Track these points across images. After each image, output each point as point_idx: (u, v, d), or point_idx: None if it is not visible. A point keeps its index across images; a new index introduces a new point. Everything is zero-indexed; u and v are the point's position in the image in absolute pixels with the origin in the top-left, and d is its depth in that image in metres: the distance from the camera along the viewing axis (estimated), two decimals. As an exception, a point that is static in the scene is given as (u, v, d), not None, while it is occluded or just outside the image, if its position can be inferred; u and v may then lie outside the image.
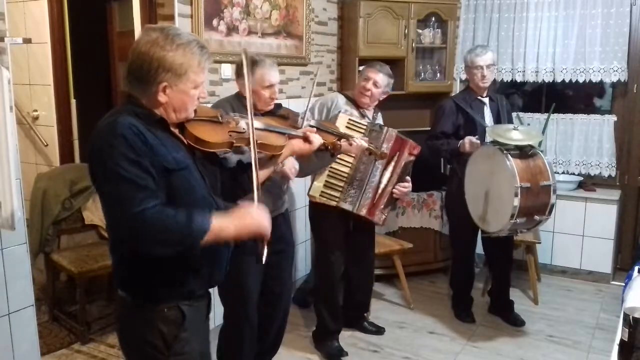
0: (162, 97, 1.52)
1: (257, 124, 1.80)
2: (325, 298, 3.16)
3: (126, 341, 1.67)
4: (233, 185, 1.81)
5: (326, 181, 2.92)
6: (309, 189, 2.97)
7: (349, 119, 2.89)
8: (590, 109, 4.52)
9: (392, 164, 2.99)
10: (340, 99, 3.05)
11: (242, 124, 1.75)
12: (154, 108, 1.54)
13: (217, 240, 1.53)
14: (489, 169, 3.11)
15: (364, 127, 2.93)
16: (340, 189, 2.93)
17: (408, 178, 3.04)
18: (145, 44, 1.49)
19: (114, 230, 1.58)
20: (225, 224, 1.53)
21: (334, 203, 2.94)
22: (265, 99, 2.46)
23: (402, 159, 3.00)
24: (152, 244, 1.47)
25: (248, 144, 1.71)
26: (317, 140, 1.95)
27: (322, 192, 2.92)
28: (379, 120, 3.16)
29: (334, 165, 2.88)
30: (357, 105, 3.07)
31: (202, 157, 1.68)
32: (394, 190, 3.00)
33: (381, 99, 3.10)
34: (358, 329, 3.45)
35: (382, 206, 3.01)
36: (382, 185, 2.99)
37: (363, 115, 3.06)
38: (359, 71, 4.15)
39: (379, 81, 2.99)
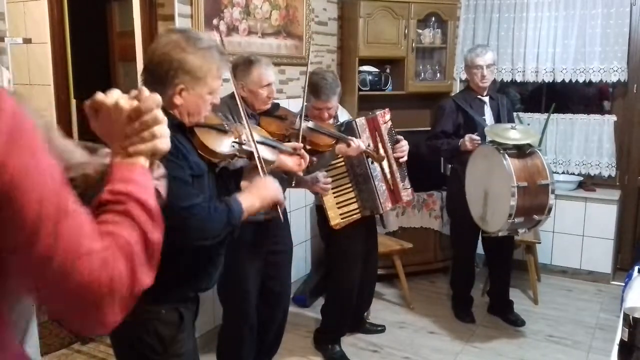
0: (177, 100, 1.52)
1: (255, 136, 1.80)
2: (340, 307, 3.13)
3: (120, 342, 1.66)
4: (219, 191, 1.80)
5: (337, 204, 2.85)
6: (329, 221, 2.83)
7: None
8: (591, 109, 4.51)
9: (380, 144, 2.87)
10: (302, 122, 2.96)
11: (244, 136, 1.76)
12: (168, 110, 1.53)
13: (249, 216, 1.62)
14: (487, 168, 3.11)
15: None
16: (354, 200, 2.87)
17: (398, 137, 2.93)
18: (166, 44, 1.49)
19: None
20: (251, 200, 1.62)
21: (357, 216, 2.89)
22: (263, 98, 2.46)
23: (384, 132, 2.87)
24: (197, 237, 1.53)
25: (248, 156, 1.75)
26: (294, 162, 2.06)
27: (340, 215, 2.85)
28: (343, 115, 3.04)
29: (334, 182, 2.79)
30: None
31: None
32: (395, 156, 2.89)
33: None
34: (358, 329, 3.44)
35: (401, 182, 2.94)
36: (386, 170, 2.89)
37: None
38: (359, 71, 4.16)
39: (333, 106, 2.82)
